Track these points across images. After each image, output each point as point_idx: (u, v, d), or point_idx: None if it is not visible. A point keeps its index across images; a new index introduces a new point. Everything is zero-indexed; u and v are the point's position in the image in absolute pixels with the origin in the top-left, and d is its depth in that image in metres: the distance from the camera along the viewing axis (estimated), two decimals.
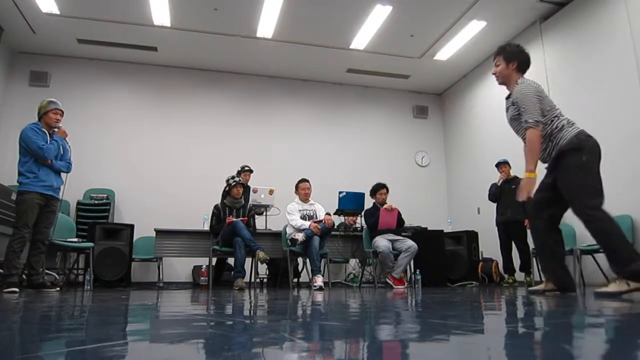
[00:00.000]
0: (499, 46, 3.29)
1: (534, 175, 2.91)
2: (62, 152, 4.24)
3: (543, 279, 3.28)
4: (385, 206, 5.52)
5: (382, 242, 5.28)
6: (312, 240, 5.03)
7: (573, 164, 2.91)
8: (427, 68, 7.86)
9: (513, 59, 3.21)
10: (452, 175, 8.64)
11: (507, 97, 3.22)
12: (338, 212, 5.83)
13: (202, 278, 5.55)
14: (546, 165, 3.05)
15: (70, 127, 4.41)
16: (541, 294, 3.02)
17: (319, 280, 4.82)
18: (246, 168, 6.14)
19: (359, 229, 5.96)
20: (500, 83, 3.24)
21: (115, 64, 7.62)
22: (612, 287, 2.63)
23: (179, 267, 6.93)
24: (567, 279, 3.00)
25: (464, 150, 8.28)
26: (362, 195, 5.78)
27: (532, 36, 6.58)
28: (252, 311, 2.23)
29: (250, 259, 5.17)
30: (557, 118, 3.10)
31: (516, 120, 3.11)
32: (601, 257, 5.15)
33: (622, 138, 5.12)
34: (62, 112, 4.29)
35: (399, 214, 5.58)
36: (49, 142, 4.11)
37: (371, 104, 8.64)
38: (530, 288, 3.26)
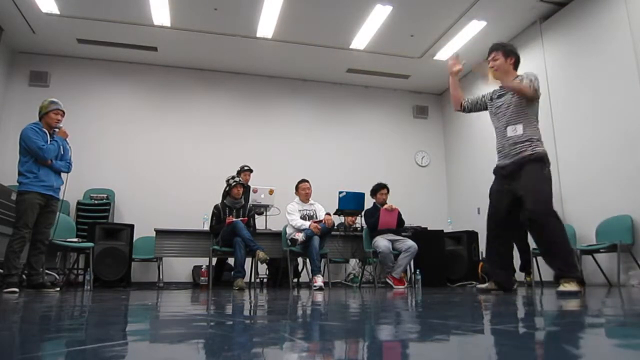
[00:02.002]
0: (494, 43, 3.40)
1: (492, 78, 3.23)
2: (62, 152, 4.24)
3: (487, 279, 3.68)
4: (385, 206, 5.52)
5: (382, 242, 5.28)
6: (312, 240, 5.03)
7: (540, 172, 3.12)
8: (427, 68, 7.86)
9: (512, 55, 3.31)
10: (452, 175, 8.64)
11: (501, 95, 3.35)
12: (338, 212, 5.83)
13: (202, 278, 5.55)
14: (503, 161, 3.23)
15: (70, 127, 4.41)
16: (487, 292, 3.31)
17: (319, 280, 4.82)
18: (246, 168, 6.15)
19: (358, 229, 5.97)
20: (496, 78, 3.31)
21: (115, 64, 7.62)
22: (571, 287, 2.88)
23: (179, 267, 6.93)
24: (506, 279, 3.37)
25: (464, 150, 8.28)
26: (362, 195, 5.78)
27: (532, 36, 6.58)
28: (252, 311, 2.23)
29: (250, 259, 5.17)
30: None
31: (518, 103, 3.19)
32: (601, 257, 5.16)
33: (622, 138, 5.12)
34: (63, 113, 4.29)
35: (399, 214, 5.58)
36: (49, 142, 4.11)
37: (371, 104, 8.64)
38: (478, 286, 3.57)
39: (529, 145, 3.13)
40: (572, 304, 2.31)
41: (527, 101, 3.17)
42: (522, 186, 3.08)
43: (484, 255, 6.42)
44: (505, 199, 3.23)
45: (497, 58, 3.29)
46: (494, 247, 3.38)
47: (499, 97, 3.33)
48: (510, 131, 3.16)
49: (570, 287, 2.87)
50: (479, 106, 3.50)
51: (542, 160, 3.10)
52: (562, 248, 2.99)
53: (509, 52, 3.30)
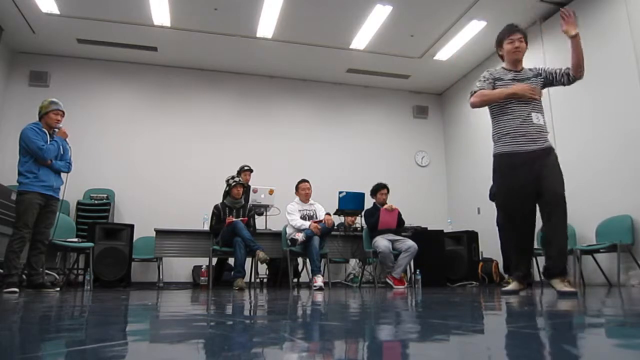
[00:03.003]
0: (518, 27, 3.32)
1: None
2: (62, 152, 4.23)
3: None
4: (385, 206, 5.52)
5: (382, 242, 5.28)
6: (312, 240, 5.03)
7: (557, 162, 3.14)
8: (427, 68, 7.86)
9: (527, 44, 3.32)
10: (452, 175, 8.64)
11: (518, 72, 3.25)
12: (338, 212, 5.83)
13: (202, 278, 5.55)
14: (529, 146, 3.08)
15: (70, 127, 4.41)
16: (516, 293, 3.18)
17: (319, 280, 4.82)
18: (246, 167, 6.14)
19: (358, 229, 5.97)
20: (515, 59, 3.25)
21: (115, 64, 7.62)
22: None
23: (179, 267, 6.93)
24: (527, 274, 3.30)
25: (464, 150, 8.28)
26: (362, 195, 5.78)
27: (532, 36, 6.53)
28: (252, 311, 2.23)
29: (250, 259, 5.17)
30: None
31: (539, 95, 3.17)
32: (601, 257, 5.16)
33: (622, 138, 5.12)
34: (63, 113, 4.29)
35: (399, 214, 5.58)
36: (48, 142, 4.11)
37: (371, 104, 8.64)
38: (503, 289, 3.36)
39: (548, 135, 3.15)
40: (569, 304, 2.31)
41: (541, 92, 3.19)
42: (550, 172, 3.04)
43: (484, 255, 6.47)
44: (531, 193, 3.05)
45: (522, 41, 3.25)
46: (519, 245, 3.19)
47: (522, 79, 3.20)
48: (535, 118, 3.08)
49: (565, 286, 2.89)
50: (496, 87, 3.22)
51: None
52: (566, 242, 2.97)
53: (527, 41, 3.32)
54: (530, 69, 3.25)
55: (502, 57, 3.35)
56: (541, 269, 3.26)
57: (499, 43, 3.33)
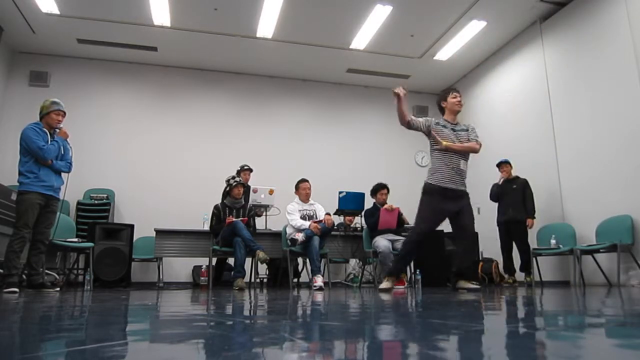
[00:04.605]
0: (454, 89, 4.29)
1: (447, 144, 3.92)
2: (62, 153, 4.23)
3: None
4: (385, 206, 5.52)
5: (382, 242, 5.28)
6: (312, 240, 5.03)
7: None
8: (427, 68, 7.86)
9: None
10: None
11: (453, 124, 4.12)
12: (338, 212, 5.83)
13: (202, 278, 5.55)
14: (455, 186, 3.95)
15: (70, 127, 4.40)
16: (389, 291, 4.01)
17: (319, 280, 4.82)
18: (245, 167, 6.14)
19: (358, 229, 5.96)
20: (458, 111, 4.15)
21: (115, 64, 7.62)
22: (472, 285, 3.97)
23: (179, 267, 6.93)
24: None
25: None
26: (362, 195, 5.78)
27: (532, 36, 6.58)
28: (252, 311, 2.23)
29: (250, 259, 5.16)
30: None
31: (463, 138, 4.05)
32: (601, 257, 5.16)
33: (621, 138, 5.12)
34: (64, 113, 4.28)
35: (399, 214, 5.58)
36: (49, 142, 4.11)
37: (371, 104, 8.64)
38: (380, 286, 4.17)
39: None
40: (561, 303, 2.31)
41: None
42: (467, 210, 3.98)
43: (484, 256, 6.47)
44: (442, 216, 4.01)
45: (461, 99, 4.16)
46: (414, 250, 4.11)
47: (461, 130, 4.06)
48: (463, 165, 3.97)
49: (471, 285, 3.95)
50: (422, 129, 4.05)
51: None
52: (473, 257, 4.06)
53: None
54: (464, 124, 4.14)
55: (442, 109, 4.18)
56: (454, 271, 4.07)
57: (444, 98, 4.16)
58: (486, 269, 6.31)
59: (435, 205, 3.94)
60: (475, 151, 4.03)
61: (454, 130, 4.03)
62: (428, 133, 4.02)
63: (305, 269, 5.95)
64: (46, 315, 1.98)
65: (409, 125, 4.04)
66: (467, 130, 4.07)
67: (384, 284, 4.10)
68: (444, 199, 3.91)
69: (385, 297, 3.26)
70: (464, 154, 3.99)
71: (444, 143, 3.90)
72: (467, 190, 4.03)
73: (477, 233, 6.23)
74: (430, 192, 3.97)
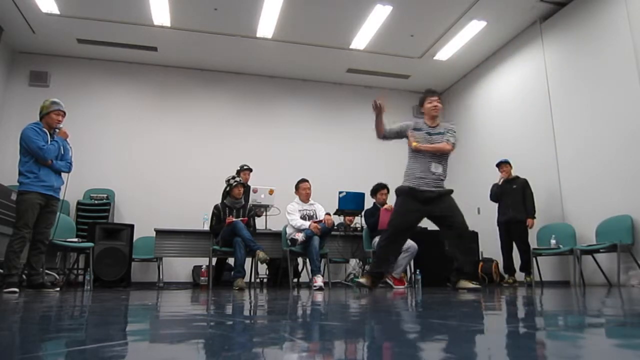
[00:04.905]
0: (436, 91, 4.33)
1: (415, 145, 4.01)
2: (62, 153, 4.23)
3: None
4: (385, 206, 5.52)
5: None
6: (312, 240, 5.03)
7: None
8: (427, 68, 7.86)
9: (442, 104, 4.26)
10: (452, 176, 8.56)
11: (431, 127, 4.13)
12: (338, 212, 5.82)
13: (202, 278, 5.55)
14: (420, 187, 3.96)
15: (70, 127, 4.40)
16: (365, 287, 4.00)
17: (319, 280, 4.82)
18: (245, 167, 6.14)
19: (358, 228, 5.96)
20: (434, 115, 4.13)
21: (115, 64, 7.61)
22: (472, 284, 3.93)
23: (179, 267, 6.93)
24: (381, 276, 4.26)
25: (463, 150, 8.26)
26: (362, 195, 5.77)
27: (532, 36, 6.58)
28: (252, 311, 2.23)
29: (250, 259, 5.17)
30: None
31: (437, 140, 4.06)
32: (601, 257, 5.16)
33: (622, 138, 5.12)
34: (64, 114, 4.28)
35: None
36: (49, 142, 4.10)
37: (371, 104, 8.61)
38: (357, 280, 4.22)
39: (444, 182, 4.07)
40: (560, 303, 2.31)
41: None
42: (451, 209, 3.98)
43: (484, 256, 6.47)
44: (413, 218, 4.06)
45: (440, 102, 4.15)
46: (388, 252, 4.09)
47: (438, 133, 4.06)
48: (434, 168, 3.98)
49: (472, 284, 3.92)
50: (399, 135, 4.19)
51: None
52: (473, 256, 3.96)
53: (441, 102, 4.19)
54: (445, 127, 4.10)
55: (423, 113, 4.24)
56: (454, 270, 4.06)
57: (421, 103, 4.24)
58: (486, 269, 6.31)
59: (405, 207, 3.99)
60: (446, 152, 3.99)
61: (429, 133, 4.06)
62: (406, 137, 4.10)
63: (305, 269, 5.95)
64: (46, 315, 1.98)
65: (384, 138, 4.17)
66: (444, 133, 4.06)
67: (361, 279, 4.13)
68: (414, 200, 3.94)
69: (362, 296, 3.28)
70: (437, 155, 3.99)
71: (413, 144, 3.98)
72: (447, 190, 4.01)
73: (476, 233, 6.28)
74: (400, 194, 4.05)
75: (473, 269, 4.11)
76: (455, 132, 4.11)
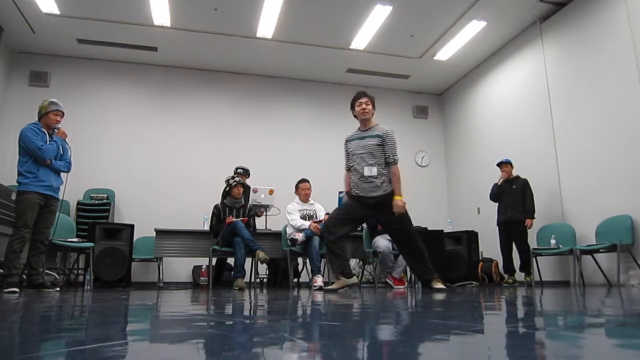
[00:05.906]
0: (364, 91, 4.15)
1: (401, 197, 3.89)
2: (61, 152, 4.23)
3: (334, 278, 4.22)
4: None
5: (382, 242, 5.27)
6: (312, 240, 5.03)
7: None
8: (427, 68, 7.86)
9: (374, 106, 4.09)
10: (452, 175, 8.64)
11: (364, 131, 4.06)
12: None
13: (202, 278, 5.55)
14: (359, 193, 3.91)
15: (70, 127, 4.41)
16: (335, 292, 3.83)
17: (318, 280, 4.82)
18: (239, 170, 5.98)
19: (358, 229, 5.95)
20: (364, 119, 4.03)
21: (115, 64, 7.62)
22: (441, 284, 3.93)
23: (179, 267, 6.93)
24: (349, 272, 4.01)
25: (464, 150, 8.28)
26: None
27: (532, 36, 6.58)
28: (252, 311, 2.23)
29: (250, 259, 5.17)
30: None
31: (375, 149, 3.97)
32: (601, 257, 5.16)
33: (622, 138, 5.12)
34: (63, 114, 4.29)
35: None
36: (48, 142, 4.11)
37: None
38: (327, 288, 4.17)
39: (381, 182, 3.92)
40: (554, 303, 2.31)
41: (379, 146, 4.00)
42: (390, 213, 3.82)
43: (483, 255, 6.47)
44: (350, 219, 3.99)
45: (369, 104, 4.01)
46: (335, 249, 3.90)
47: (370, 137, 3.98)
48: (367, 172, 3.90)
49: (441, 284, 3.91)
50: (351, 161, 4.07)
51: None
52: (427, 257, 3.97)
53: (373, 103, 4.06)
54: (380, 130, 4.01)
55: (355, 117, 4.10)
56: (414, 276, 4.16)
57: (352, 107, 4.10)
58: (486, 269, 6.32)
59: (347, 208, 4.03)
60: (396, 176, 3.98)
61: (362, 138, 4.02)
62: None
63: (305, 269, 5.95)
64: (46, 315, 1.98)
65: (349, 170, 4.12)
66: (380, 136, 3.97)
67: (332, 286, 4.01)
68: (359, 204, 3.93)
69: (361, 296, 3.29)
70: (367, 156, 3.93)
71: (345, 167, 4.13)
72: (385, 194, 3.88)
73: (476, 233, 6.29)
74: (350, 197, 4.06)
75: (433, 267, 4.00)
76: (394, 140, 4.02)
